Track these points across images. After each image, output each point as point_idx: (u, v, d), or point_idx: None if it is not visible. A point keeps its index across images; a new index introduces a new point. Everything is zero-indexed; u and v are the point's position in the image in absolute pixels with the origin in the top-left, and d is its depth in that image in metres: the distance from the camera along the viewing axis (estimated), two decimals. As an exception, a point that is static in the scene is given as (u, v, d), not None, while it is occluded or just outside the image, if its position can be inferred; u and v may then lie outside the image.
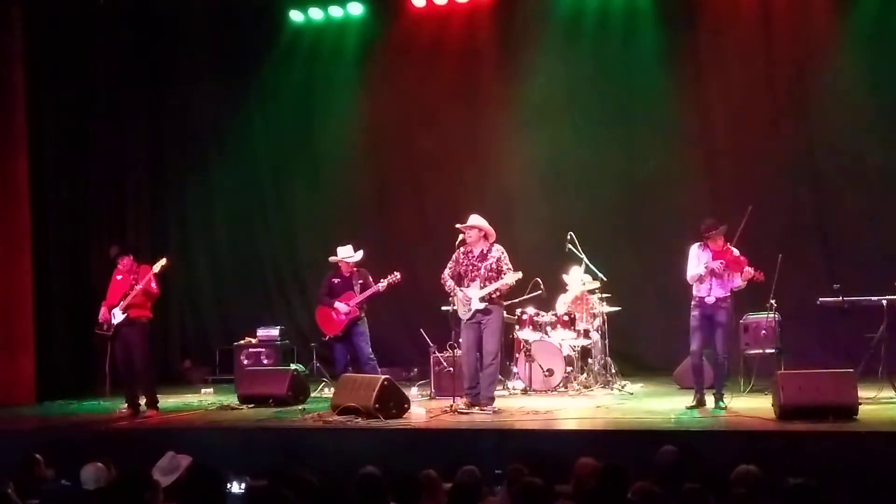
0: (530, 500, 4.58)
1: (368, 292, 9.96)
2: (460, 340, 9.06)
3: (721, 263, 8.26)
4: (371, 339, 10.03)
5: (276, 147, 13.31)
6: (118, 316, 9.32)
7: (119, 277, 9.51)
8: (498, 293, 8.69)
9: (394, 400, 8.42)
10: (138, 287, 9.27)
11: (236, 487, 5.56)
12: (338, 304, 9.99)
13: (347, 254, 10.09)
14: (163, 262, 9.51)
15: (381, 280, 9.93)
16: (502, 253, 8.77)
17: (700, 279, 8.38)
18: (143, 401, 9.52)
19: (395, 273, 9.92)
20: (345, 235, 10.65)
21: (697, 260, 8.45)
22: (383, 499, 4.75)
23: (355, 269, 10.14)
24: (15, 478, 5.73)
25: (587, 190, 11.89)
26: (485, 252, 8.78)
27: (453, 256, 8.93)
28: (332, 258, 10.18)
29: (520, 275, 8.68)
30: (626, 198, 11.88)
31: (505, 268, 8.69)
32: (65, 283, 11.95)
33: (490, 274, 8.67)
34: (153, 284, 9.40)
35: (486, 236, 8.81)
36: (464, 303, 8.71)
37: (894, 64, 10.83)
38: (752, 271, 8.21)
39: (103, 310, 9.44)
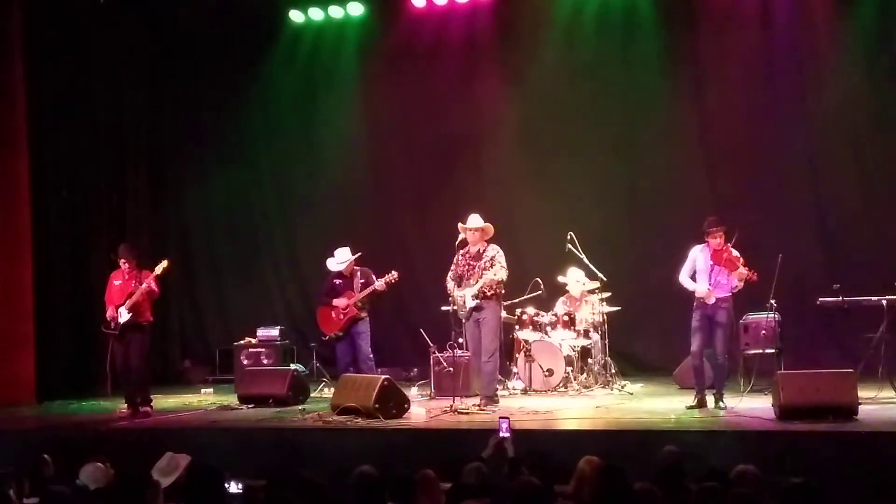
0: (530, 500, 4.57)
1: (367, 290, 9.96)
2: (460, 340, 9.05)
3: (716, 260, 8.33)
4: (371, 339, 10.04)
5: (276, 147, 13.31)
6: (124, 315, 9.33)
7: (118, 283, 9.50)
8: (491, 290, 8.69)
9: (394, 400, 8.43)
10: (143, 286, 9.29)
11: (235, 487, 5.55)
12: (336, 301, 10.00)
13: (343, 259, 10.10)
14: (164, 264, 9.51)
15: (379, 279, 9.95)
16: (497, 251, 8.77)
17: (694, 277, 8.42)
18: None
19: (393, 272, 9.92)
20: (345, 236, 10.65)
21: (693, 262, 8.49)
22: (381, 498, 4.75)
23: (357, 268, 10.15)
24: (17, 477, 5.73)
25: (587, 189, 11.89)
26: (481, 251, 8.79)
27: (454, 259, 8.94)
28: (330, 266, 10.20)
29: (505, 270, 8.65)
30: (627, 197, 11.89)
31: (498, 266, 8.69)
32: (65, 283, 11.94)
33: (483, 272, 8.69)
34: (154, 286, 9.43)
35: (483, 235, 8.83)
36: (460, 304, 8.72)
37: (894, 63, 10.82)
38: (746, 272, 8.23)
39: (110, 308, 9.42)
